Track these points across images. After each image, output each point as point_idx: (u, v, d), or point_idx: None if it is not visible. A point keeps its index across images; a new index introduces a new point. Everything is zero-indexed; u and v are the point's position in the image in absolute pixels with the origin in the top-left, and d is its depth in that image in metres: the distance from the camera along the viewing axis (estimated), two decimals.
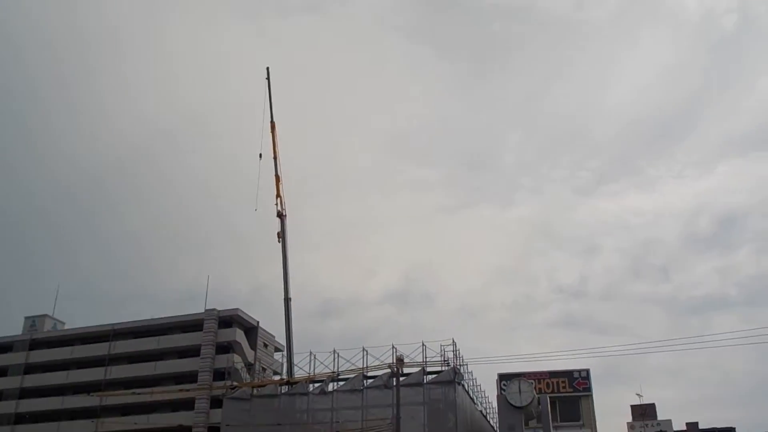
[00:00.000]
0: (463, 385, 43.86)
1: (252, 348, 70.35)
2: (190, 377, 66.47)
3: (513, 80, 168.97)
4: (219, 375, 64.78)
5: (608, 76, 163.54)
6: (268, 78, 58.21)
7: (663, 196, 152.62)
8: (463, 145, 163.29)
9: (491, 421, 52.73)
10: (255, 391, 47.61)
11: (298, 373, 47.64)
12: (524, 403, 31.30)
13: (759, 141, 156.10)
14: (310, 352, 45.89)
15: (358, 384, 43.78)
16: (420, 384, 42.25)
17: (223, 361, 66.01)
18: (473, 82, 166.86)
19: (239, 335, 69.48)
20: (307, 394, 45.39)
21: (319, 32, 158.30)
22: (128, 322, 73.42)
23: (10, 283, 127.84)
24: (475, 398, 49.06)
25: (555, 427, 40.94)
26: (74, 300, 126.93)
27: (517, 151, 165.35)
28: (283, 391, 47.12)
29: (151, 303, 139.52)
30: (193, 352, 68.27)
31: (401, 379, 37.41)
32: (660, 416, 51.87)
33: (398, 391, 35.67)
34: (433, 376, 42.82)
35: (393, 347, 41.54)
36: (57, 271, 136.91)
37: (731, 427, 58.72)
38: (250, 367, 63.39)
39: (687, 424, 54.75)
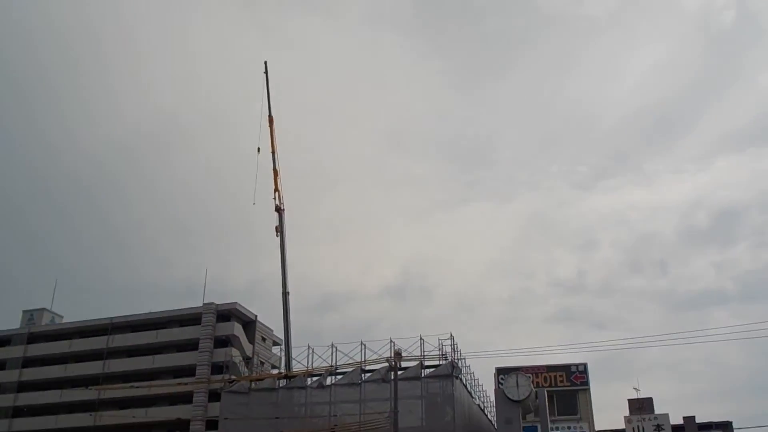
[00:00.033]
0: (460, 379, 43.93)
1: (250, 342, 70.46)
2: (189, 371, 66.60)
3: (511, 76, 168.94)
4: (217, 369, 64.87)
5: (607, 72, 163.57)
6: (266, 72, 58.10)
7: (661, 191, 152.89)
8: (460, 140, 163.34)
9: (489, 415, 52.85)
10: (253, 384, 47.66)
11: (296, 367, 47.71)
12: (522, 397, 31.35)
13: (757, 136, 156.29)
14: (308, 346, 45.98)
15: (356, 378, 43.83)
16: (418, 378, 42.31)
17: (221, 354, 66.12)
18: (471, 78, 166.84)
19: (237, 329, 69.59)
20: (305, 387, 45.44)
21: (317, 28, 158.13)
22: (126, 315, 73.50)
23: (8, 277, 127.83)
24: (472, 392, 49.16)
25: (552, 421, 41.05)
26: (72, 294, 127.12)
27: (515, 147, 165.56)
28: (281, 385, 47.17)
29: (149, 297, 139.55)
30: (191, 345, 68.38)
31: (399, 373, 37.47)
32: (657, 410, 51.89)
33: (396, 384, 35.73)
34: (431, 370, 42.88)
35: (391, 341, 41.60)
36: (55, 265, 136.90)
37: (728, 421, 58.77)
38: (248, 360, 63.50)
39: (684, 418, 54.72)
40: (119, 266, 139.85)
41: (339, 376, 44.94)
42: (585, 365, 47.12)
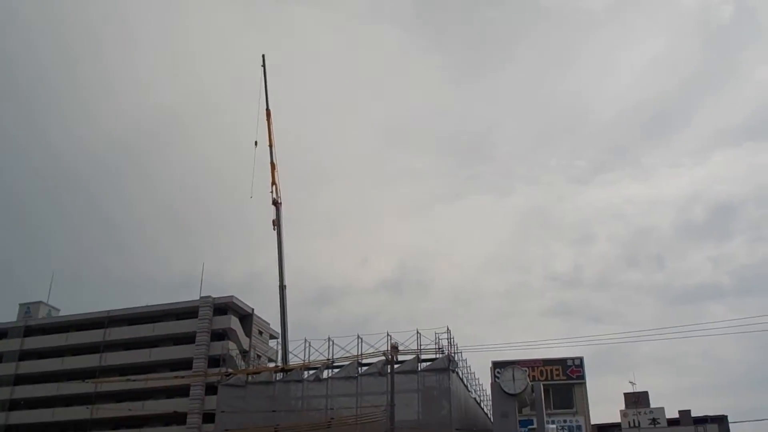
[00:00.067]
0: (457, 373, 44.01)
1: (247, 335, 70.53)
2: (185, 364, 66.65)
3: (509, 69, 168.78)
4: (214, 362, 64.93)
5: (605, 66, 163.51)
6: (263, 66, 58.01)
7: (658, 185, 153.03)
8: (459, 134, 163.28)
9: (485, 409, 52.98)
10: (250, 378, 47.69)
11: (293, 361, 47.74)
12: (518, 391, 31.43)
13: (754, 131, 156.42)
14: (305, 340, 46.00)
15: (353, 371, 43.89)
16: (414, 371, 42.37)
17: (218, 348, 66.14)
18: (469, 71, 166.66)
19: (234, 322, 69.63)
20: (301, 381, 45.49)
21: (315, 21, 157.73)
22: (123, 309, 73.49)
23: (5, 270, 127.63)
24: (469, 386, 49.26)
25: (548, 415, 41.17)
26: (68, 287, 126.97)
27: (514, 141, 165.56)
28: (277, 378, 47.22)
29: (146, 290, 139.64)
30: (188, 339, 68.42)
31: (396, 366, 37.52)
32: (653, 404, 52.07)
33: (393, 378, 35.77)
34: (428, 363, 42.95)
35: (388, 335, 41.62)
36: (51, 258, 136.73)
37: (723, 415, 58.97)
38: (245, 354, 63.56)
39: (679, 411, 54.88)
40: (116, 259, 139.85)
41: (336, 370, 45.00)
42: (581, 359, 47.29)
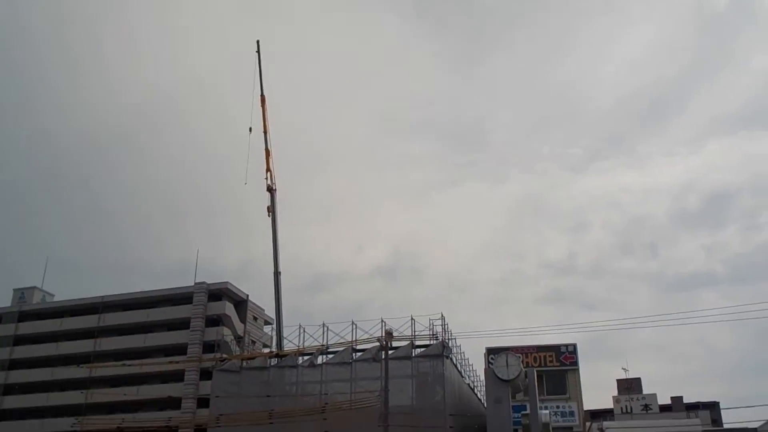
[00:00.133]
0: (451, 359, 44.18)
1: (241, 321, 70.70)
2: (180, 349, 66.80)
3: (505, 57, 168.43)
4: (208, 347, 65.13)
5: (601, 54, 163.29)
6: (258, 51, 57.68)
7: (653, 174, 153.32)
8: (453, 120, 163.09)
9: (479, 394, 53.24)
10: (245, 363, 47.79)
11: (288, 346, 47.84)
12: (511, 377, 31.61)
13: (749, 119, 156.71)
14: (300, 326, 46.07)
15: (347, 357, 44.01)
16: (408, 357, 42.50)
17: (212, 333, 66.35)
18: (465, 59, 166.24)
19: (229, 308, 69.76)
20: (296, 366, 45.60)
21: (312, 7, 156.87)
22: (117, 294, 73.51)
23: None
24: (463, 372, 49.46)
25: (542, 400, 41.35)
26: (62, 273, 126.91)
27: (509, 129, 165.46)
28: (272, 364, 47.34)
29: (140, 276, 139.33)
30: (182, 324, 68.56)
31: (390, 352, 37.62)
32: (645, 390, 52.53)
33: (387, 364, 35.90)
34: (422, 349, 43.07)
35: (382, 321, 41.69)
36: (45, 243, 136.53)
37: (715, 402, 59.56)
38: (239, 339, 63.67)
39: (672, 398, 55.47)
40: (111, 245, 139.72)
41: (330, 356, 45.11)
42: (574, 346, 47.46)
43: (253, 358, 49.79)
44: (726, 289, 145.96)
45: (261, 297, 74.20)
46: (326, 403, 41.18)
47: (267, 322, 73.95)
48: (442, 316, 43.32)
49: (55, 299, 78.69)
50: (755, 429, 40.80)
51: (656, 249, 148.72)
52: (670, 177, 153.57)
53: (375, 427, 34.09)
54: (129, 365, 62.55)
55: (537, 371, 40.91)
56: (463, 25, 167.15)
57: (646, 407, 49.88)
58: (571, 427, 45.09)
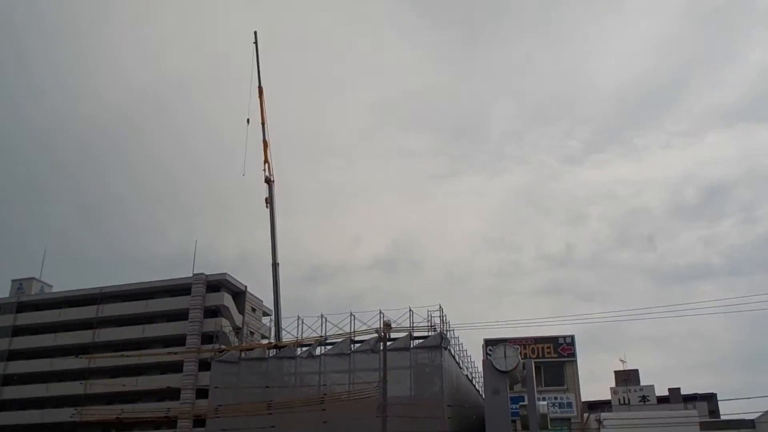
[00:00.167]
0: (449, 350, 44.25)
1: (240, 312, 70.79)
2: (179, 340, 66.91)
3: (502, 48, 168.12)
4: (207, 338, 65.14)
5: (599, 46, 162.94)
6: (255, 42, 57.50)
7: (650, 166, 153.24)
8: (451, 112, 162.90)
9: (477, 386, 53.39)
10: (243, 354, 47.87)
11: (286, 337, 47.87)
12: (509, 368, 31.71)
13: (746, 112, 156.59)
14: (298, 317, 46.09)
15: (346, 348, 44.07)
16: (407, 349, 42.55)
17: (211, 324, 66.39)
18: (462, 50, 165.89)
19: (227, 299, 69.84)
20: (294, 357, 45.66)
21: None
22: (116, 285, 73.59)
23: None
24: (461, 363, 49.57)
25: (539, 392, 41.46)
26: (61, 264, 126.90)
27: (505, 120, 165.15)
28: (270, 355, 47.42)
29: (138, 268, 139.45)
30: (181, 316, 68.64)
31: (388, 343, 37.68)
32: (643, 382, 52.67)
33: (385, 355, 35.97)
34: (420, 341, 43.13)
35: (380, 312, 41.70)
36: (43, 234, 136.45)
37: (712, 393, 59.80)
38: (238, 330, 63.75)
39: (669, 389, 55.65)
40: (108, 238, 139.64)
41: (329, 347, 45.18)
42: (572, 337, 47.52)
43: (252, 349, 49.86)
44: (723, 281, 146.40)
45: (259, 288, 74.45)
46: (325, 394, 41.28)
47: (265, 314, 74.07)
48: (440, 307, 43.39)
49: (54, 290, 78.71)
50: (752, 420, 40.95)
51: (653, 241, 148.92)
52: (667, 169, 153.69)
53: (373, 418, 34.18)
54: (128, 356, 62.67)
55: (535, 363, 41.00)
56: (460, 17, 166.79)
57: (644, 399, 50.04)
58: (569, 419, 45.22)
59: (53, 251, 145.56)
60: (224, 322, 66.66)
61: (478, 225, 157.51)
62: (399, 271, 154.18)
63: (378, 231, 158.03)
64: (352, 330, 43.89)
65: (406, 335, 42.79)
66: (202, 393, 59.38)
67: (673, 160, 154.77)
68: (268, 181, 55.49)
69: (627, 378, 52.97)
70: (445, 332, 43.18)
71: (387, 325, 38.06)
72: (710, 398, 58.02)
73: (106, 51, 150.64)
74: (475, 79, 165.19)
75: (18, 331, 74.13)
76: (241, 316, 69.90)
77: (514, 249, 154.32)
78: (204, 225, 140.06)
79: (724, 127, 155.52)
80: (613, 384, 53.17)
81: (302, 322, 45.69)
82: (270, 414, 40.59)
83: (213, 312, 68.73)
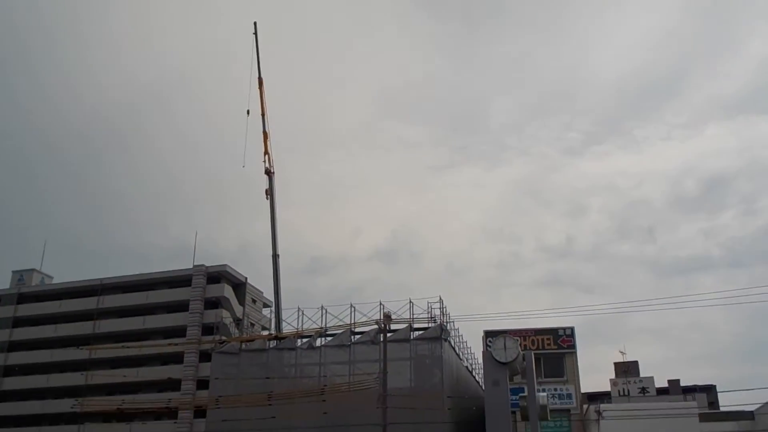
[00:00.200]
0: (449, 342, 44.41)
1: (240, 304, 70.85)
2: (179, 332, 67.00)
3: (502, 40, 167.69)
4: (207, 330, 65.30)
5: (598, 37, 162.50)
6: (255, 33, 57.41)
7: (651, 158, 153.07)
8: (451, 104, 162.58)
9: (477, 377, 53.55)
10: (244, 345, 48.01)
11: (286, 329, 48.03)
12: (509, 359, 31.64)
13: (747, 104, 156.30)
14: (298, 308, 46.26)
15: (346, 339, 44.21)
16: (407, 340, 42.71)
17: (211, 316, 66.52)
18: (463, 41, 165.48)
19: (228, 291, 69.91)
20: (295, 348, 45.82)
21: None
22: (116, 277, 73.64)
23: None
24: (461, 354, 49.72)
25: (539, 383, 41.49)
26: (61, 255, 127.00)
27: (505, 112, 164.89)
28: (271, 346, 47.55)
29: (138, 260, 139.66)
30: (181, 307, 68.68)
31: (388, 335, 37.80)
32: (642, 373, 52.70)
33: (385, 346, 36.08)
34: (420, 332, 43.29)
35: (380, 304, 41.86)
36: (43, 226, 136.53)
37: (712, 385, 59.91)
38: (238, 322, 63.90)
39: (669, 381, 55.67)
40: (108, 229, 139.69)
41: (329, 338, 45.30)
42: (572, 329, 47.56)
43: (252, 341, 50.04)
44: (723, 274, 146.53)
45: (260, 280, 74.56)
46: (325, 385, 41.42)
47: (266, 305, 74.16)
48: (440, 299, 43.53)
49: (54, 281, 78.79)
50: (752, 412, 41.04)
51: (654, 233, 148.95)
52: (667, 161, 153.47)
53: (373, 409, 34.31)
54: (128, 347, 62.79)
55: (535, 354, 41.01)
56: (460, 8, 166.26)
57: (644, 390, 50.10)
58: (568, 410, 45.33)
59: (54, 243, 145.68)
60: (225, 313, 66.74)
61: (477, 216, 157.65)
62: (399, 263, 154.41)
63: (378, 222, 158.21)
64: (353, 321, 44.06)
65: (407, 327, 42.92)
66: (202, 384, 59.52)
67: (673, 151, 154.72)
68: (268, 172, 55.49)
69: (627, 370, 53.04)
70: (445, 324, 43.32)
71: (387, 317, 38.15)
72: (710, 390, 58.11)
73: (107, 45, 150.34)
74: (475, 70, 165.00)
75: (19, 322, 74.21)
76: (241, 308, 69.99)
77: (514, 240, 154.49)
78: (204, 217, 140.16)
79: (724, 119, 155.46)
80: (612, 375, 53.24)
81: (302, 313, 45.88)
82: (270, 405, 40.72)
83: (213, 303, 68.81)
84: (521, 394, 25.45)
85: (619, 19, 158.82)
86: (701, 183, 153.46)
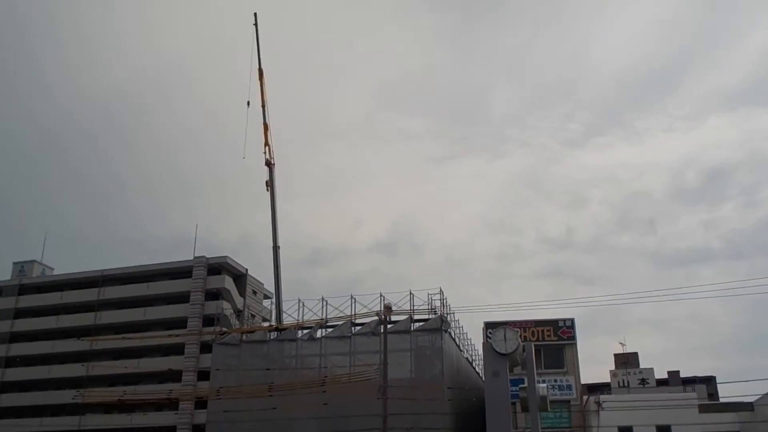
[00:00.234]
0: (449, 333, 44.51)
1: (241, 295, 70.94)
2: (180, 323, 67.12)
3: (503, 31, 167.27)
4: (208, 321, 65.47)
5: (599, 29, 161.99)
6: (255, 24, 57.25)
7: (651, 149, 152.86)
8: (451, 95, 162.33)
9: (477, 368, 53.68)
10: (244, 336, 48.11)
11: (287, 320, 48.14)
12: (509, 351, 31.72)
13: (748, 96, 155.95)
14: (299, 300, 46.36)
15: (346, 331, 44.30)
16: (407, 331, 42.81)
17: (212, 307, 66.68)
18: (463, 32, 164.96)
19: (228, 282, 69.98)
20: (295, 340, 45.93)
21: None
22: (117, 268, 73.72)
23: None
24: (461, 346, 49.83)
25: (539, 374, 41.61)
26: (62, 246, 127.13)
27: (506, 103, 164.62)
28: (272, 337, 47.66)
29: (139, 251, 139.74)
30: (182, 298, 68.77)
31: (389, 326, 37.88)
32: (642, 365, 52.78)
33: (386, 337, 36.15)
34: (421, 323, 43.38)
35: (381, 295, 41.91)
36: (44, 218, 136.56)
37: (711, 376, 59.99)
38: (239, 313, 64.02)
39: (668, 372, 55.74)
40: (110, 219, 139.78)
41: (329, 329, 45.40)
42: (572, 320, 47.66)
43: (253, 332, 50.13)
44: (723, 265, 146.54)
45: (260, 271, 74.63)
46: (326, 376, 41.54)
47: (266, 296, 74.26)
48: (440, 290, 43.60)
49: (55, 273, 78.89)
50: (751, 403, 41.14)
51: (654, 225, 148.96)
52: (668, 153, 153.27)
53: (374, 400, 34.40)
54: (129, 338, 62.94)
55: (535, 345, 41.11)
56: None
57: (643, 381, 50.22)
58: (568, 401, 45.48)
59: (54, 234, 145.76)
60: (225, 304, 66.87)
61: (478, 208, 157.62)
62: (399, 255, 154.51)
63: (378, 214, 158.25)
64: (353, 313, 44.14)
65: (407, 318, 43.00)
66: (203, 375, 59.67)
67: (674, 143, 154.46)
68: (269, 164, 55.45)
69: (626, 361, 53.13)
70: (445, 315, 43.40)
71: (387, 308, 38.22)
72: (709, 381, 58.17)
73: (109, 33, 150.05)
74: (476, 61, 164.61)
75: (20, 313, 74.33)
76: (242, 299, 70.10)
77: (515, 232, 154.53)
78: (205, 208, 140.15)
79: (725, 111, 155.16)
80: (612, 367, 53.33)
81: (303, 305, 45.96)
82: (271, 396, 40.86)
83: (214, 295, 68.90)
84: (521, 385, 25.53)
85: (621, 11, 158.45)
86: (702, 175, 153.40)
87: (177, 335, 63.32)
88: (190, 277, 69.53)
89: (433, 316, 43.04)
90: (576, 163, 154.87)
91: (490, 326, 45.27)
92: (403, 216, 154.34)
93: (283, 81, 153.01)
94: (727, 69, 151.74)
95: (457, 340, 47.96)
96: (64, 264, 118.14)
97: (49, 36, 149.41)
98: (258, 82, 56.71)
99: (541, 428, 18.50)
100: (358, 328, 44.38)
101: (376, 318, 41.28)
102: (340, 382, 40.43)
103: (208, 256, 70.69)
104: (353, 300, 44.03)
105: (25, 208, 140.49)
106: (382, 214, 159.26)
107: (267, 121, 56.10)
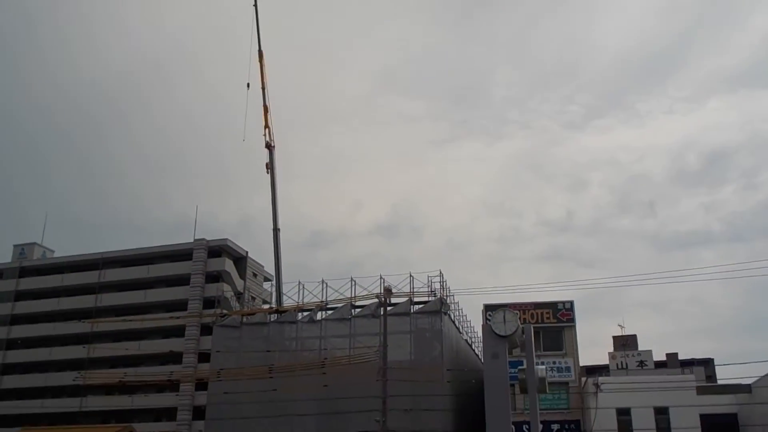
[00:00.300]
0: (449, 315, 44.61)
1: (241, 277, 71.12)
2: (180, 305, 67.35)
3: (503, 13, 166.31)
4: (209, 303, 65.67)
5: (599, 10, 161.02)
6: (255, 5, 56.91)
7: (652, 132, 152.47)
8: (452, 77, 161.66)
9: (476, 350, 53.88)
10: (245, 319, 48.24)
11: (287, 302, 48.22)
12: (508, 333, 31.90)
13: (749, 78, 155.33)
14: (299, 282, 46.39)
15: (346, 313, 44.40)
16: (407, 314, 42.90)
17: (212, 289, 66.89)
18: (464, 14, 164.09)
19: (228, 265, 70.14)
20: (295, 322, 46.05)
21: None
22: (118, 250, 73.83)
23: None
24: (460, 328, 49.97)
25: (538, 356, 41.75)
26: (61, 229, 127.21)
27: (506, 85, 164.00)
28: (272, 320, 47.78)
29: (139, 233, 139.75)
30: (182, 281, 68.96)
31: (389, 308, 37.94)
32: (641, 347, 53.00)
33: (385, 320, 36.23)
34: (420, 306, 43.46)
35: (381, 278, 41.97)
36: (44, 200, 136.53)
37: (710, 358, 60.30)
38: (239, 296, 64.19)
39: (667, 354, 55.99)
40: (110, 201, 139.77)
41: (329, 312, 45.51)
42: (571, 303, 47.73)
43: (253, 314, 50.24)
44: (723, 248, 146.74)
45: (260, 254, 74.77)
46: (325, 359, 41.68)
47: (266, 279, 74.45)
48: (440, 273, 43.66)
49: (56, 255, 79.03)
50: (749, 385, 41.32)
51: (654, 207, 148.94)
52: (669, 135, 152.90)
53: (374, 382, 34.55)
54: (130, 320, 63.16)
55: (534, 328, 41.22)
56: None
57: (642, 363, 50.44)
58: (567, 383, 45.69)
59: (55, 217, 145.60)
60: (225, 287, 67.05)
61: (478, 191, 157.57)
62: (399, 237, 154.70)
63: (378, 196, 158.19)
64: (353, 295, 44.20)
65: (407, 300, 43.09)
66: (204, 357, 59.94)
67: (675, 125, 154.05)
68: (269, 146, 55.33)
69: (625, 343, 53.35)
70: (445, 297, 43.48)
71: (387, 291, 38.27)
72: (707, 363, 58.49)
73: (109, 15, 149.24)
74: (476, 44, 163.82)
75: (21, 295, 74.55)
76: (242, 282, 70.27)
77: (515, 215, 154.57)
78: (205, 191, 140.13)
79: (726, 93, 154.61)
80: (611, 349, 53.56)
81: (303, 287, 46.01)
82: (271, 378, 41.05)
83: (214, 277, 69.08)
84: (520, 367, 25.70)
85: None
86: (702, 157, 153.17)
87: (177, 317, 63.54)
88: (191, 259, 69.68)
89: (433, 298, 43.13)
90: (576, 146, 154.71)
91: (489, 308, 45.40)
92: (403, 199, 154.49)
93: (284, 63, 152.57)
94: (728, 51, 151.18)
95: (456, 322, 48.10)
96: (64, 246, 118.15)
97: (50, 17, 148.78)
98: (258, 64, 56.47)
99: (540, 410, 18.60)
100: (358, 310, 44.48)
101: (376, 300, 41.32)
102: (340, 364, 40.57)
103: (208, 239, 70.80)
104: (353, 282, 44.12)
105: (25, 191, 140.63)
106: (382, 197, 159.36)
107: (267, 103, 55.95)
